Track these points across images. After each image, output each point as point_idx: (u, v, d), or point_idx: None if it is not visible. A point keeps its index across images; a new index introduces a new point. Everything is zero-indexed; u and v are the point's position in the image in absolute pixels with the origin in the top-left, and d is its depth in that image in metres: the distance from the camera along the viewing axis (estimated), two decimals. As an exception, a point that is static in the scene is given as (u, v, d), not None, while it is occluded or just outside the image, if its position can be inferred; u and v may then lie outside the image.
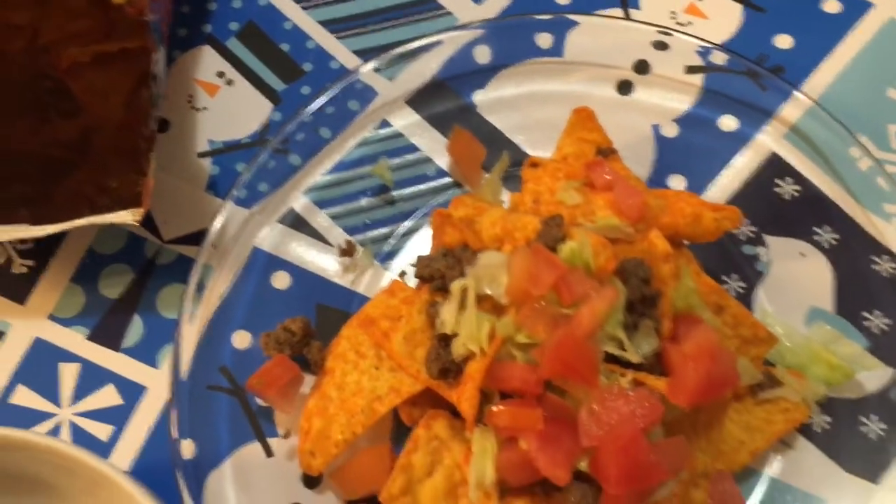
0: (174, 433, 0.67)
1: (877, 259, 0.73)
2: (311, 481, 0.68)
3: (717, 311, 0.66)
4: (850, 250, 0.74)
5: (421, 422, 0.63)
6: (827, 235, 0.74)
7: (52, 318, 0.73)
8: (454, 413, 0.64)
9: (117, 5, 0.66)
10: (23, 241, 0.74)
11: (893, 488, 0.68)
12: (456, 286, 0.63)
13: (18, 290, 0.74)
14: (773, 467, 0.68)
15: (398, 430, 0.67)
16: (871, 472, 0.68)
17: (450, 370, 0.63)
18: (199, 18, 0.81)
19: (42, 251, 0.74)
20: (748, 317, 0.67)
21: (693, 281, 0.65)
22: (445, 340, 0.63)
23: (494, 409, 0.59)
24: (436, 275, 0.66)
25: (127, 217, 0.66)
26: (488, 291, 0.62)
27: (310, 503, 0.67)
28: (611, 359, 0.61)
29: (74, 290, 0.74)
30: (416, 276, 0.67)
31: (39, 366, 0.72)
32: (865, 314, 0.72)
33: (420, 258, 0.67)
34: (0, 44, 0.75)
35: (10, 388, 0.71)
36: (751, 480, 0.68)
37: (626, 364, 0.60)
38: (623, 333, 0.60)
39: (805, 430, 0.69)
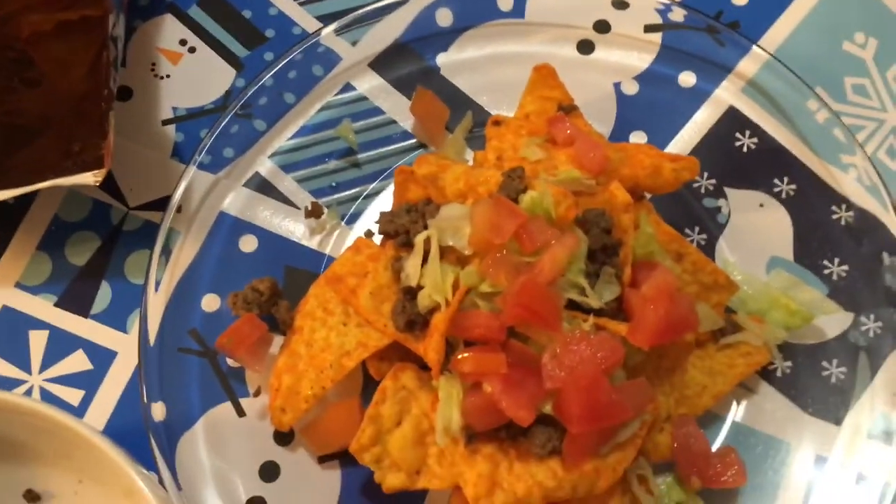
0: (144, 397, 0.67)
1: (834, 208, 0.75)
2: (283, 438, 0.69)
3: (677, 258, 0.67)
4: (808, 200, 0.75)
5: (388, 373, 0.64)
6: (785, 186, 0.76)
7: (20, 286, 0.73)
8: (422, 366, 0.64)
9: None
10: (-13, 210, 0.74)
11: (854, 429, 0.69)
12: (419, 238, 0.63)
13: (-15, 259, 0.74)
14: (737, 412, 0.70)
15: (367, 385, 0.68)
16: (832, 414, 0.70)
17: (416, 322, 0.63)
18: (160, -13, 0.81)
19: (7, 219, 0.74)
20: (708, 263, 0.68)
21: (652, 228, 0.66)
22: (411, 294, 0.64)
23: (459, 356, 0.60)
24: (399, 230, 0.66)
25: (88, 178, 0.66)
26: (451, 243, 0.63)
27: (282, 460, 0.68)
28: (573, 306, 0.62)
29: (41, 257, 0.74)
30: (380, 231, 0.68)
31: (8, 333, 0.72)
32: (824, 262, 0.74)
33: (383, 214, 0.68)
34: (-41, 15, 0.75)
35: (-21, 357, 0.72)
36: (715, 425, 0.69)
37: (588, 310, 0.61)
38: (585, 281, 0.62)
39: (767, 375, 0.71)
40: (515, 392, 0.57)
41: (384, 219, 0.67)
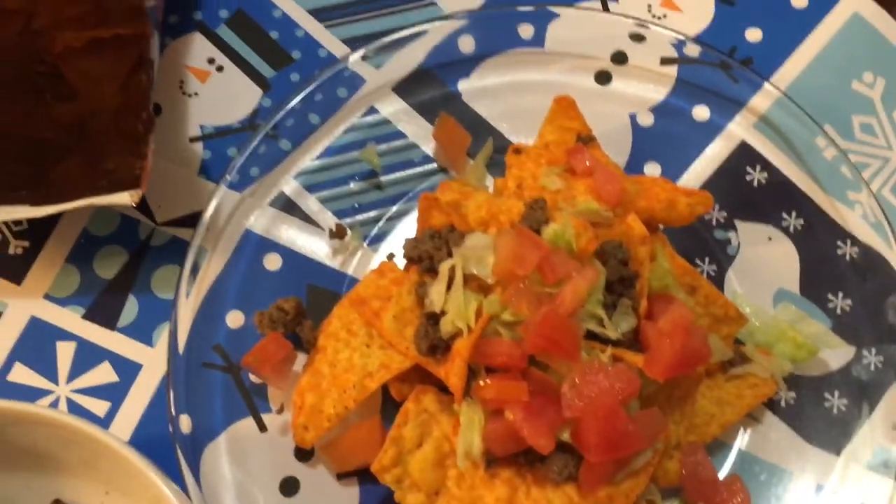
0: (172, 409, 0.69)
1: (840, 244, 0.77)
2: (303, 455, 0.71)
3: (690, 291, 0.70)
4: (816, 235, 0.78)
5: (410, 396, 0.66)
6: (794, 221, 0.78)
7: (48, 297, 0.75)
8: (442, 388, 0.67)
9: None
10: (18, 223, 0.76)
11: (854, 460, 0.72)
12: (444, 266, 0.66)
13: (14, 270, 0.75)
14: (743, 440, 0.72)
15: (387, 406, 0.70)
16: (833, 444, 0.72)
17: (438, 347, 0.66)
18: (189, 6, 0.83)
19: (37, 232, 0.76)
20: (719, 296, 0.71)
21: (668, 262, 0.68)
22: (434, 319, 0.66)
23: (481, 382, 0.62)
24: (424, 256, 0.68)
25: (125, 198, 0.68)
26: (475, 271, 0.65)
27: (302, 475, 0.70)
28: (591, 336, 0.64)
29: (70, 270, 0.75)
30: (405, 256, 0.70)
31: (36, 344, 0.74)
32: (829, 296, 0.76)
33: (408, 240, 0.70)
34: (-4, 27, 0.76)
35: (7, 366, 0.73)
36: (721, 452, 0.72)
37: (606, 341, 0.64)
38: (603, 312, 0.64)
39: (772, 406, 0.73)
40: (536, 420, 0.60)
41: (409, 244, 0.69)
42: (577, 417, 0.60)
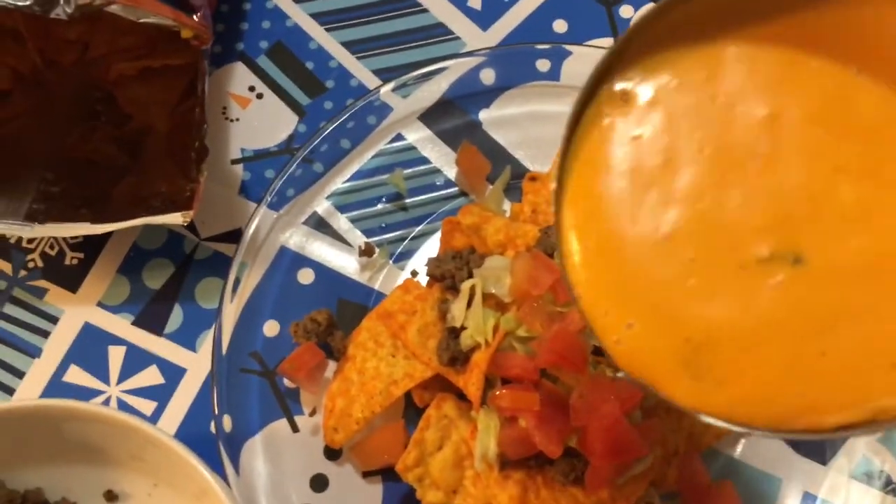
0: (216, 408, 0.75)
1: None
2: (332, 454, 0.77)
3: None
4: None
5: (432, 403, 0.72)
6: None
7: (101, 305, 0.81)
8: (460, 396, 0.73)
9: (185, 39, 0.74)
10: (75, 236, 0.83)
11: (840, 470, 0.78)
12: (465, 285, 0.72)
13: (70, 279, 0.82)
14: (735, 448, 0.78)
15: (410, 411, 0.76)
16: (820, 454, 0.78)
17: (458, 359, 0.72)
18: (232, 37, 0.90)
19: (92, 245, 0.82)
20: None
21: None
22: (454, 333, 0.72)
23: (497, 392, 0.68)
24: (446, 274, 0.75)
25: (178, 218, 0.74)
26: (493, 290, 0.72)
27: (331, 473, 0.76)
28: (598, 351, 0.70)
29: (121, 280, 0.82)
30: (428, 274, 0.76)
31: (90, 348, 0.80)
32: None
33: (431, 259, 0.76)
34: (55, 55, 0.83)
35: (63, 368, 0.80)
36: (715, 460, 0.77)
37: (611, 356, 0.70)
38: (609, 330, 0.70)
39: (764, 417, 0.79)
40: (547, 427, 0.66)
41: (432, 264, 0.75)
42: (584, 426, 0.66)
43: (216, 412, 0.75)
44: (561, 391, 0.68)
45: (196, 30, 0.74)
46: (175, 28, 0.73)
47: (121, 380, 0.80)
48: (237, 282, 0.79)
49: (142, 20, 0.72)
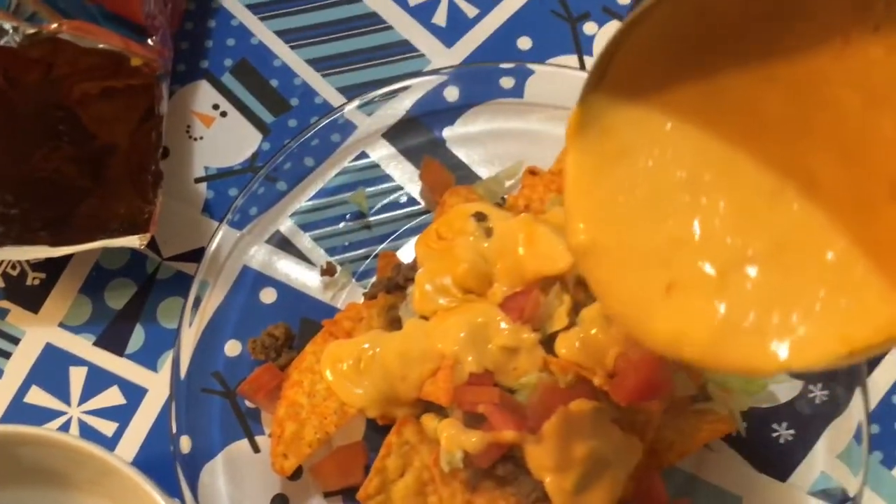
0: (174, 429, 0.75)
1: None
2: (293, 475, 0.77)
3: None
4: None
5: (393, 429, 0.71)
6: (750, 264, 0.84)
7: (62, 325, 0.81)
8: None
9: (135, 67, 0.74)
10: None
11: (799, 487, 0.78)
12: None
13: (32, 300, 0.82)
14: (695, 465, 0.79)
15: (369, 430, 0.76)
16: (780, 472, 0.78)
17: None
18: (196, 55, 0.90)
19: (53, 265, 0.82)
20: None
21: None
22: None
23: (461, 387, 0.68)
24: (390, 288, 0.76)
25: (134, 241, 0.74)
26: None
27: (291, 494, 0.76)
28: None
29: (83, 300, 0.82)
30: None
31: (51, 368, 0.80)
32: (781, 334, 0.82)
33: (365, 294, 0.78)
34: (19, 74, 0.83)
35: (24, 389, 0.80)
36: (675, 476, 0.78)
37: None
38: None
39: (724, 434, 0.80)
40: (504, 413, 0.66)
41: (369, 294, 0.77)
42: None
43: (174, 433, 0.75)
44: (517, 401, 0.69)
45: (145, 58, 0.74)
46: (125, 55, 0.73)
47: (82, 401, 0.80)
48: (198, 301, 0.79)
49: (90, 48, 0.72)
